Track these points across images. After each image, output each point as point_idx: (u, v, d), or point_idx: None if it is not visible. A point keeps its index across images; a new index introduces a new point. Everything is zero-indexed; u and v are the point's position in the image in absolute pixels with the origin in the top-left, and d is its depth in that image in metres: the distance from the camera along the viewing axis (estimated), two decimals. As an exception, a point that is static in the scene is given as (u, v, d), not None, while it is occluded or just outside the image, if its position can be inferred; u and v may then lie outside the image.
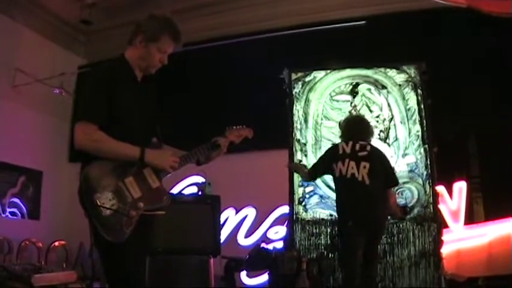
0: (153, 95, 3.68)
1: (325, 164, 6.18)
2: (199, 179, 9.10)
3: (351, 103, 7.96)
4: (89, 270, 7.88)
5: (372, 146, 6.11)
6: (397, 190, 7.29)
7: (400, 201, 7.24)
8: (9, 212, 9.85)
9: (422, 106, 7.72)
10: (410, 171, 7.50)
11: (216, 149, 3.78)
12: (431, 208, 7.28)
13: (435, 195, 7.36)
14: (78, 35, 11.82)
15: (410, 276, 7.04)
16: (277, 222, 9.12)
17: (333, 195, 7.36)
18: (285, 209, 8.49)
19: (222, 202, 7.62)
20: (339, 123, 6.96)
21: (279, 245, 8.16)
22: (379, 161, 6.00)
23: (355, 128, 6.32)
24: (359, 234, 5.62)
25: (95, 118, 3.25)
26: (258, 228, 9.30)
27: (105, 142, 3.24)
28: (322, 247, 7.39)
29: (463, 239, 7.85)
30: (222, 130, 3.92)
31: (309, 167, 6.72)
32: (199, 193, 8.61)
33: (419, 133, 7.64)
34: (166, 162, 3.42)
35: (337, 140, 7.36)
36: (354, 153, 5.94)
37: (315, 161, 7.36)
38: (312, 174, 6.44)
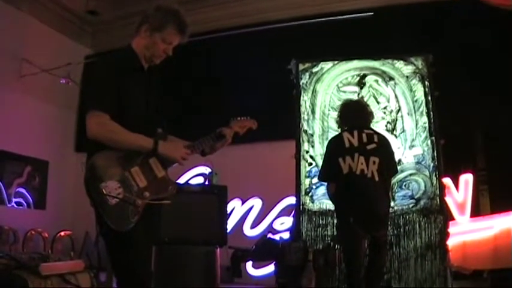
0: (158, 86, 3.68)
1: (333, 159, 5.82)
2: (206, 169, 9.10)
3: (358, 94, 7.95)
4: (95, 260, 7.89)
5: (378, 135, 5.90)
6: (403, 182, 7.29)
7: (407, 192, 7.25)
8: (15, 202, 9.89)
9: (429, 98, 7.69)
10: (417, 163, 7.47)
11: (221, 140, 3.77)
12: (438, 200, 7.25)
13: (441, 187, 7.34)
14: (84, 26, 11.83)
15: (416, 268, 7.03)
16: (283, 212, 9.14)
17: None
18: (291, 200, 8.50)
19: (228, 192, 7.63)
20: (338, 109, 6.57)
21: (286, 235, 8.18)
22: (387, 153, 5.82)
23: (357, 114, 6.08)
24: (361, 228, 5.51)
25: (107, 108, 3.24)
26: (264, 218, 9.33)
27: (119, 132, 3.24)
28: (329, 238, 7.38)
29: (469, 231, 7.86)
30: (228, 121, 3.91)
31: (316, 157, 6.67)
32: (206, 183, 8.62)
33: (426, 125, 7.61)
34: (179, 154, 3.43)
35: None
36: (362, 147, 5.68)
37: (321, 151, 7.35)
38: (324, 177, 6.10)
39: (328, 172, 5.92)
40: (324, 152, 6.29)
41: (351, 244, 5.66)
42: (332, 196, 5.92)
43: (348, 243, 5.81)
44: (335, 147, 5.92)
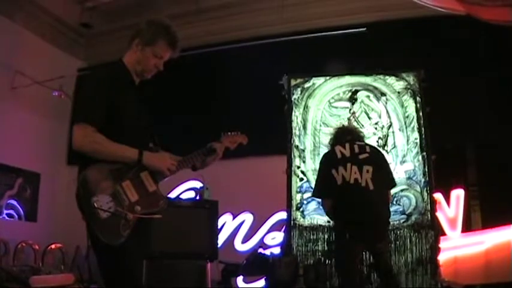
0: (148, 101, 3.70)
1: (326, 173, 5.82)
2: (197, 184, 9.09)
3: (350, 110, 7.98)
4: (85, 273, 7.88)
5: (370, 146, 5.95)
6: (394, 197, 7.30)
7: (398, 208, 7.26)
8: (6, 214, 9.84)
9: (421, 114, 7.72)
10: (409, 178, 7.49)
11: (212, 154, 3.81)
12: (429, 215, 7.26)
13: (433, 202, 7.36)
14: (78, 38, 11.82)
15: (407, 283, 7.02)
16: (274, 228, 9.11)
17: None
18: (282, 215, 8.48)
19: (219, 207, 7.63)
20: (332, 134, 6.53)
21: (276, 250, 8.17)
22: (380, 162, 5.82)
23: (349, 132, 6.18)
24: (358, 243, 5.47)
25: (93, 120, 3.27)
26: (255, 233, 9.29)
27: (104, 144, 3.26)
28: (320, 253, 7.38)
29: (460, 246, 7.85)
30: (219, 136, 3.93)
31: (307, 173, 6.66)
32: (197, 198, 8.60)
33: (418, 140, 7.64)
34: (164, 165, 3.46)
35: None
36: (355, 156, 5.70)
37: (313, 166, 7.38)
38: (318, 192, 6.09)
39: (322, 186, 5.91)
40: (318, 168, 6.30)
41: (345, 263, 5.66)
42: (328, 211, 5.90)
43: (341, 263, 5.85)
44: (327, 161, 5.93)
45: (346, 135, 6.08)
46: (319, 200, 6.12)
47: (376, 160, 5.79)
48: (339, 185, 5.62)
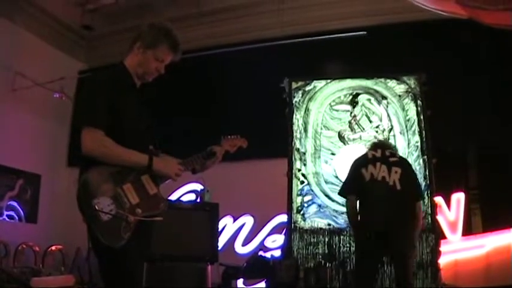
0: (149, 103, 3.70)
1: (355, 171, 5.87)
2: (198, 186, 9.08)
3: (351, 113, 7.98)
4: (85, 275, 7.86)
5: (402, 157, 6.08)
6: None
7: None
8: (7, 215, 9.85)
9: (421, 117, 7.74)
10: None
11: (212, 158, 3.81)
12: (430, 219, 7.27)
13: (433, 206, 7.36)
14: (79, 40, 11.84)
15: (408, 287, 7.03)
16: (275, 230, 9.11)
17: (331, 204, 7.43)
18: (283, 218, 8.48)
19: (220, 210, 7.64)
20: None
21: (277, 253, 8.17)
22: (410, 171, 5.83)
23: (382, 143, 6.32)
24: (379, 245, 5.44)
25: (101, 124, 3.27)
26: (255, 236, 9.29)
27: (114, 148, 3.27)
28: (320, 256, 7.39)
29: (460, 250, 7.85)
30: (220, 139, 3.94)
31: (308, 176, 6.65)
32: (198, 200, 8.60)
33: (419, 144, 7.64)
34: (173, 170, 3.47)
35: (336, 150, 7.41)
36: (385, 158, 5.75)
37: (313, 169, 7.40)
38: (343, 190, 6.05)
39: (349, 184, 5.93)
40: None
41: (365, 259, 5.67)
42: (350, 210, 5.85)
43: (361, 257, 5.86)
44: (358, 161, 5.98)
45: (380, 146, 6.11)
46: (344, 199, 6.07)
47: (406, 167, 5.82)
48: (366, 182, 5.66)
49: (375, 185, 5.61)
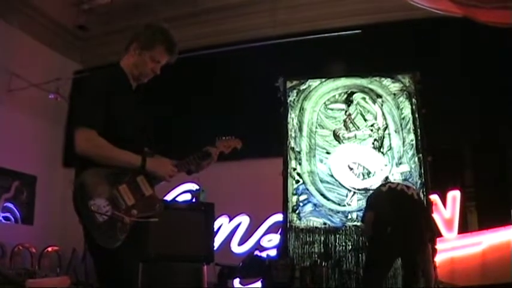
0: (144, 104, 3.70)
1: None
2: (193, 186, 9.08)
3: (346, 112, 7.99)
4: (82, 276, 7.87)
5: None
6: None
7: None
8: (3, 217, 9.83)
9: (416, 115, 7.76)
10: (405, 180, 7.50)
11: (207, 159, 3.81)
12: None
13: (429, 204, 7.38)
14: (74, 41, 11.81)
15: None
16: (270, 230, 9.10)
17: (327, 203, 7.44)
18: (278, 217, 8.48)
19: (215, 209, 7.63)
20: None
21: (273, 252, 8.18)
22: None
23: None
24: (395, 243, 5.61)
25: (95, 124, 3.27)
26: (251, 235, 9.29)
27: (108, 148, 3.27)
28: (316, 255, 7.40)
29: (456, 247, 7.87)
30: (215, 140, 3.94)
31: (303, 175, 6.69)
32: (194, 200, 8.60)
33: (414, 142, 7.66)
34: (166, 171, 3.47)
35: (331, 149, 7.45)
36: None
37: (309, 168, 7.43)
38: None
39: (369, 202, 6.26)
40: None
41: (379, 256, 5.82)
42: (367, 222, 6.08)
43: (374, 255, 6.07)
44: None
45: None
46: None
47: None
48: (384, 192, 5.96)
49: (393, 193, 6.03)
